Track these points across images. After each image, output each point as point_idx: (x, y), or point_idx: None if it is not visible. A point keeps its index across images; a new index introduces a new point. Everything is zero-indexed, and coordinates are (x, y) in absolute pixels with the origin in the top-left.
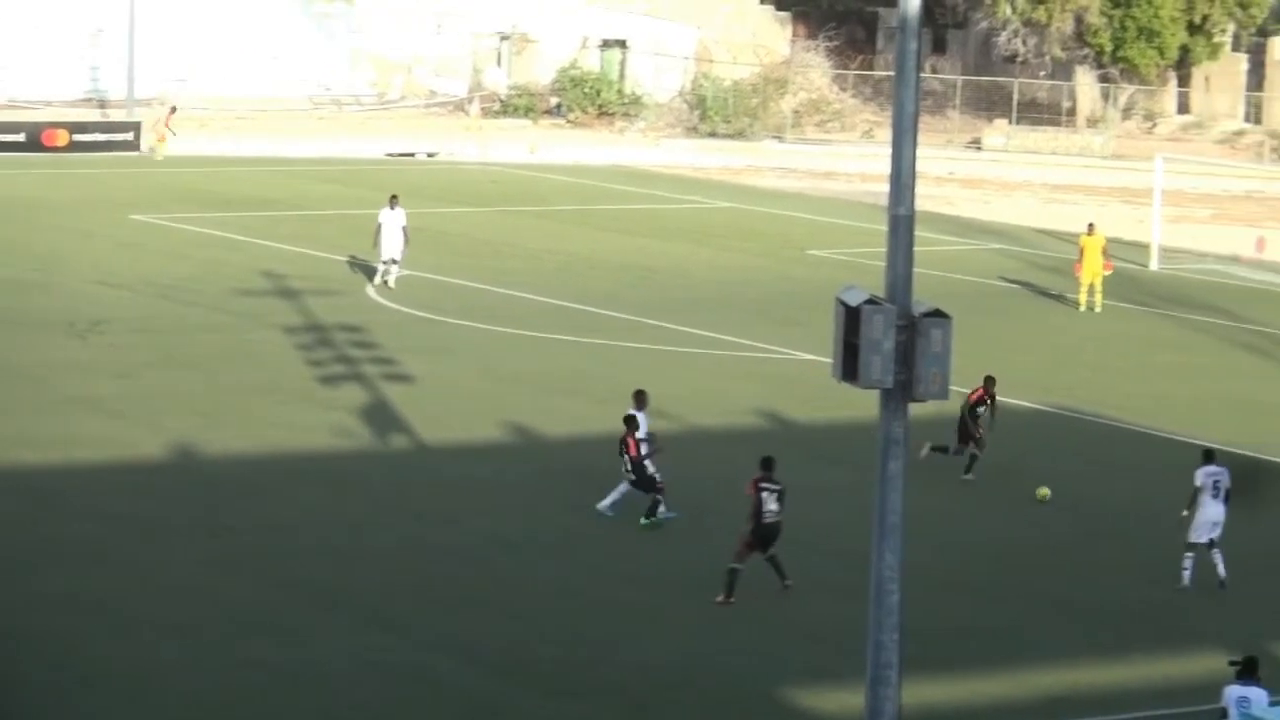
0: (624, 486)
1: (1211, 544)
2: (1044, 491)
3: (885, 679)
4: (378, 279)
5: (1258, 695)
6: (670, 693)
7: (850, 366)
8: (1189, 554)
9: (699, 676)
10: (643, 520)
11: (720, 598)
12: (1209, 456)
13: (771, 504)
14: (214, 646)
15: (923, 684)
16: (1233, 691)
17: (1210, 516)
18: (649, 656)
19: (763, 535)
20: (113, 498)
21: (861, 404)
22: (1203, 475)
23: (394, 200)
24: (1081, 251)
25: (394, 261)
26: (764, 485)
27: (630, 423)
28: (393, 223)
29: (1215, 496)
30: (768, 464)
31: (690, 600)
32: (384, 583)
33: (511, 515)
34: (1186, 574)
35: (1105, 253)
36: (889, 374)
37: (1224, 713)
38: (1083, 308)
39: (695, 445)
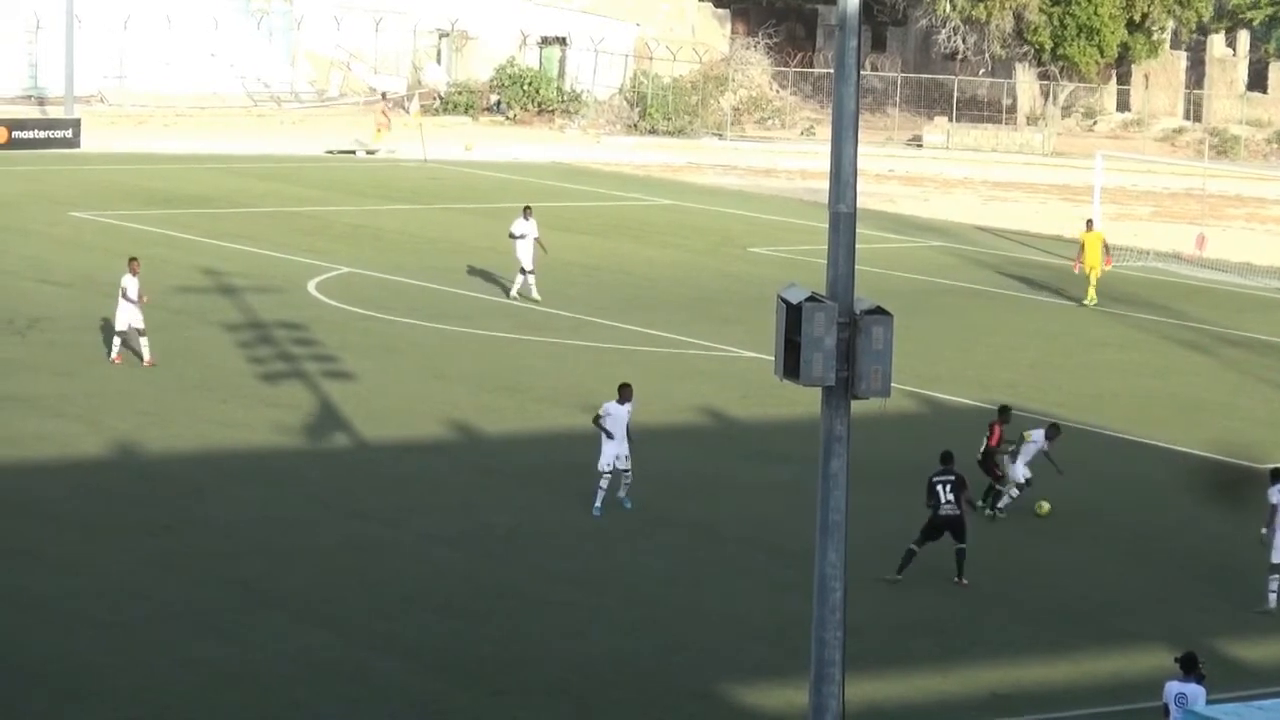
0: None
1: None
2: (1044, 507)
3: (829, 676)
4: (514, 291)
5: (1194, 692)
6: (612, 691)
7: (792, 364)
8: (1273, 576)
9: (641, 674)
10: (981, 503)
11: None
12: (1278, 475)
13: (947, 495)
14: (153, 645)
15: (867, 681)
16: (1172, 688)
17: None
18: (590, 655)
19: (937, 525)
20: (52, 496)
21: (804, 401)
22: (1276, 494)
23: (527, 211)
24: (1082, 248)
25: (531, 271)
26: (937, 479)
27: (1003, 414)
28: (528, 233)
29: None
30: (946, 458)
31: (630, 598)
32: (324, 581)
33: (452, 514)
34: (1273, 596)
35: (1106, 248)
36: (831, 371)
37: (1166, 709)
38: (1088, 301)
39: (638, 443)
